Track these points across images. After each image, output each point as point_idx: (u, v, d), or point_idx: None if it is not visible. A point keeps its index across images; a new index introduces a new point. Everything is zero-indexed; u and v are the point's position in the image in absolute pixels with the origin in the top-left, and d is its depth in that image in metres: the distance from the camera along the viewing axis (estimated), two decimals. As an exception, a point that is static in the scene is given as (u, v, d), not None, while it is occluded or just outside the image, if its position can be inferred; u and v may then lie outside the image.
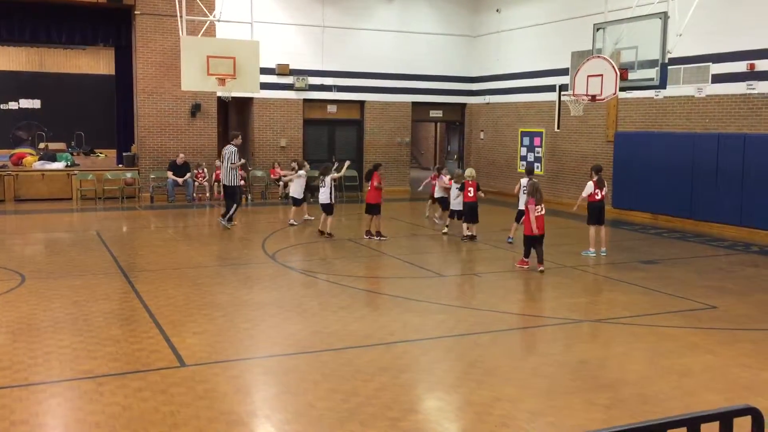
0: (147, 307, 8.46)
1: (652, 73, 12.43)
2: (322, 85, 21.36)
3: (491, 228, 14.71)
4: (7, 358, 6.56)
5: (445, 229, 14.27)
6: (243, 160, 15.59)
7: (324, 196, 13.81)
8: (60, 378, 6.16)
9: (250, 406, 5.70)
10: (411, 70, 22.33)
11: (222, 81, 16.01)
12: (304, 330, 7.66)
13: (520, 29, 21.10)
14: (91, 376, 6.17)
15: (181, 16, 16.56)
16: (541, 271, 10.66)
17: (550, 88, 17.91)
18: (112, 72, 23.12)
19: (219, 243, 13.52)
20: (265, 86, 18.73)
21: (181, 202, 19.26)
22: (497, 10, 21.97)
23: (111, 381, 6.03)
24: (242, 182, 17.48)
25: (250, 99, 20.33)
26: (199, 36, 17.09)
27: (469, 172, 13.79)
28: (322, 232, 13.79)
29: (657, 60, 12.31)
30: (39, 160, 21.01)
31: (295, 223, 15.19)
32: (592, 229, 12.21)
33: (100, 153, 29.57)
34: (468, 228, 13.51)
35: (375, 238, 13.31)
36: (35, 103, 33.21)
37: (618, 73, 12.45)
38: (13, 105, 32.99)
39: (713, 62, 15.23)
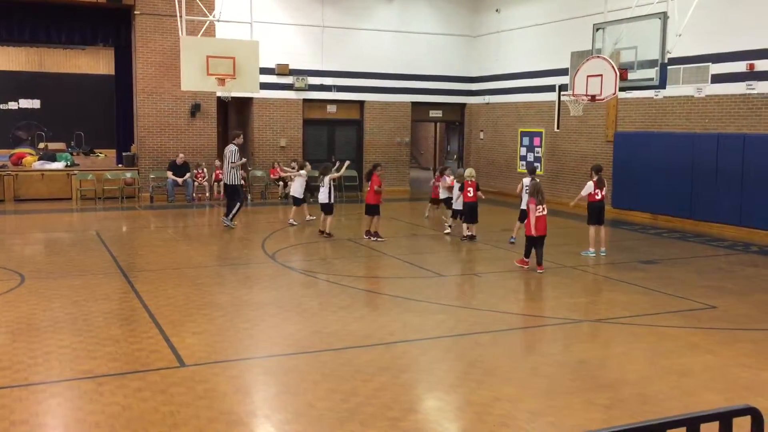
0: (147, 307, 8.46)
1: (652, 73, 12.44)
2: (321, 85, 21.36)
3: (491, 228, 14.71)
4: (6, 358, 6.56)
5: (448, 230, 14.27)
6: (244, 159, 15.59)
7: (323, 196, 13.82)
8: (60, 378, 6.16)
9: (250, 406, 5.70)
10: (411, 70, 22.33)
11: (222, 81, 16.01)
12: (303, 330, 7.66)
13: (520, 29, 21.11)
14: (91, 376, 6.17)
15: (180, 16, 16.55)
16: (540, 273, 10.67)
17: (550, 88, 17.91)
18: (112, 72, 23.13)
19: (219, 243, 13.52)
20: (264, 86, 18.73)
21: (181, 202, 19.26)
22: (497, 10, 21.97)
23: (111, 381, 6.03)
24: (242, 182, 17.47)
25: (250, 99, 20.33)
26: (199, 36, 17.08)
27: (469, 172, 13.77)
28: (322, 232, 13.80)
29: (656, 60, 12.32)
30: (39, 160, 21.01)
31: (294, 223, 15.19)
32: (592, 229, 12.21)
33: (100, 153, 29.56)
34: (468, 228, 13.50)
35: (372, 238, 13.32)
36: (35, 103, 33.21)
37: (618, 73, 12.46)
38: (12, 105, 33.00)
39: (713, 62, 15.23)
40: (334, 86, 21.53)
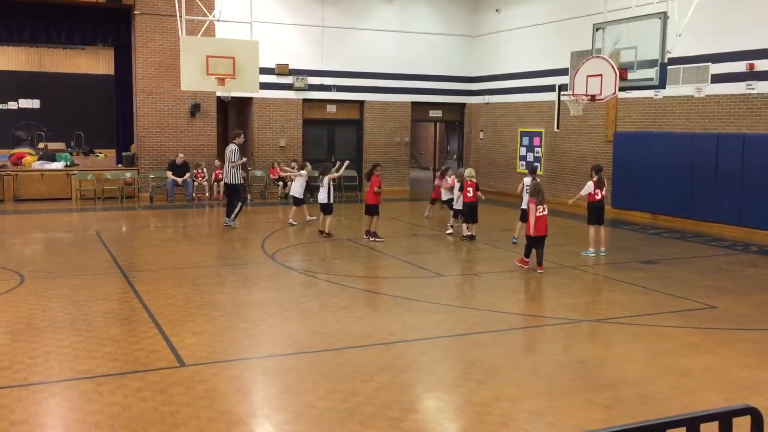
0: (146, 307, 8.46)
1: (652, 73, 12.44)
2: (321, 85, 21.36)
3: (491, 228, 14.71)
4: (6, 358, 6.56)
5: (450, 230, 14.27)
6: (244, 159, 15.59)
7: (322, 196, 13.82)
8: (59, 378, 6.16)
9: (250, 406, 5.70)
10: (411, 70, 22.33)
11: (221, 81, 16.01)
12: (303, 330, 7.66)
13: (520, 29, 21.11)
14: (91, 376, 6.17)
15: (180, 16, 16.55)
16: (540, 273, 10.67)
17: (550, 88, 17.91)
18: (112, 72, 23.13)
19: (218, 243, 13.51)
20: (264, 86, 18.73)
21: (181, 202, 19.25)
22: (497, 10, 21.97)
23: (110, 381, 6.03)
24: (243, 181, 17.45)
25: (250, 99, 20.33)
26: (199, 36, 17.08)
27: (469, 172, 13.77)
28: (321, 232, 13.80)
29: (656, 60, 12.32)
30: (38, 159, 21.01)
31: (294, 223, 15.19)
32: (592, 229, 12.21)
33: (100, 153, 29.54)
34: (467, 228, 13.50)
35: (371, 239, 13.31)
36: (35, 103, 33.21)
37: (617, 73, 12.45)
38: (12, 105, 32.99)
39: (713, 62, 15.23)
40: (334, 86, 21.53)
